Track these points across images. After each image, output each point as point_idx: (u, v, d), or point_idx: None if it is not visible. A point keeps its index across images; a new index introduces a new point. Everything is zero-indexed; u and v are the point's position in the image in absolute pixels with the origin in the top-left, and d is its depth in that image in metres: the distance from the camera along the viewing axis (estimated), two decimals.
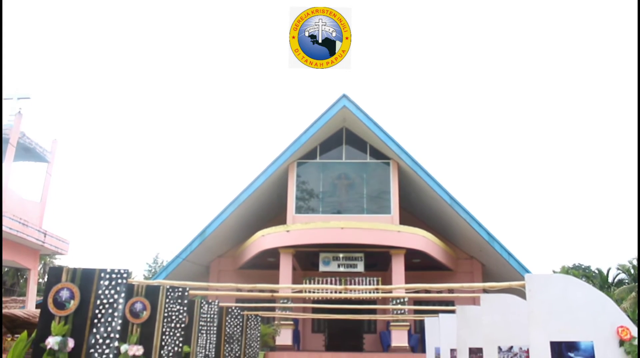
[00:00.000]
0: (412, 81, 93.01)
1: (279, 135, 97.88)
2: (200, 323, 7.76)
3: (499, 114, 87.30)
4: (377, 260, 19.68)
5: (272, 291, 10.18)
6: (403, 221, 19.99)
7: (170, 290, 5.90)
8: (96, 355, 4.67)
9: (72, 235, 70.52)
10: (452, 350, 9.30)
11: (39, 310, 6.41)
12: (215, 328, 8.10)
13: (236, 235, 21.49)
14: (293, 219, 19.80)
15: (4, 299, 19.51)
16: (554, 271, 32.26)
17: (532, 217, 76.37)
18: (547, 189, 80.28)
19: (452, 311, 9.09)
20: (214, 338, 8.10)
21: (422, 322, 13.95)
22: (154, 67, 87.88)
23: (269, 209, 22.19)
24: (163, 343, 5.59)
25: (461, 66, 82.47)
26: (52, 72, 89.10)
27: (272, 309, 16.38)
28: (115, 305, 4.84)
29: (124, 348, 5.36)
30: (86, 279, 4.92)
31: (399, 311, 17.51)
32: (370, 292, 13.83)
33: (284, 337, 17.87)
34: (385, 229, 18.52)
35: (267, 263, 20.29)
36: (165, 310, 5.69)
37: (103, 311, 4.82)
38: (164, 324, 5.64)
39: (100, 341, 4.72)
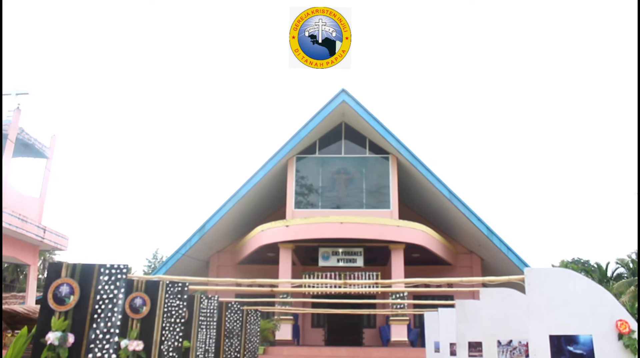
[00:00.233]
0: (410, 78, 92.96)
1: (278, 131, 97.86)
2: (200, 318, 7.76)
3: (498, 109, 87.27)
4: (376, 254, 19.71)
5: (271, 286, 10.21)
6: (402, 215, 20.01)
7: (170, 285, 5.90)
8: (96, 350, 4.68)
9: (72, 231, 70.57)
10: (452, 344, 9.33)
11: (38, 306, 6.42)
12: (215, 323, 8.10)
13: (236, 230, 21.50)
14: (292, 214, 19.81)
15: (4, 295, 19.53)
16: (553, 266, 32.34)
17: (531, 212, 76.49)
18: (546, 183, 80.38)
19: (452, 306, 9.11)
20: (214, 333, 8.11)
21: (421, 317, 13.99)
22: (155, 62, 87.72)
23: (268, 204, 22.20)
24: (163, 338, 5.59)
25: (459, 61, 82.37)
26: (51, 68, 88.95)
27: (272, 304, 16.41)
28: (115, 300, 4.84)
29: (124, 343, 5.36)
30: (86, 274, 4.92)
31: (398, 306, 17.54)
32: (369, 287, 13.87)
33: (284, 332, 17.91)
34: (384, 224, 18.54)
35: (266, 258, 20.30)
36: (165, 305, 5.68)
37: (103, 306, 4.82)
38: (164, 319, 5.64)
39: (101, 336, 4.72)
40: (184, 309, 5.94)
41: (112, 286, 4.89)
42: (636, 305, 21.35)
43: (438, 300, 13.81)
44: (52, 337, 4.64)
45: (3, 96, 14.63)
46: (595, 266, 33.22)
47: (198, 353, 7.60)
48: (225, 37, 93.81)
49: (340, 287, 11.61)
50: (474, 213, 19.53)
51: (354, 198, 20.55)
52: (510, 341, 6.61)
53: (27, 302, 14.99)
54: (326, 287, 13.67)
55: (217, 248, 22.49)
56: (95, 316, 4.78)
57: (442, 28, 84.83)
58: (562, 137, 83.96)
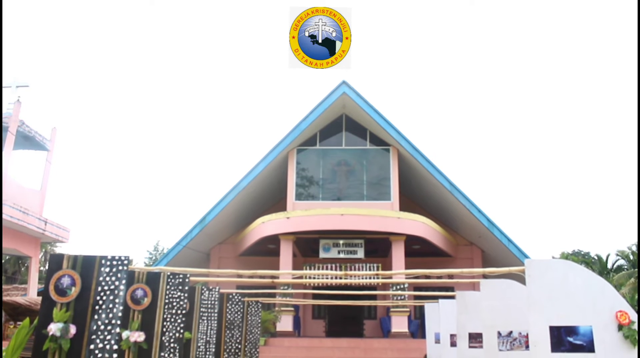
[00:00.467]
0: (411, 72, 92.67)
1: (278, 124, 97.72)
2: (201, 309, 7.78)
3: (499, 101, 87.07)
4: (377, 246, 19.73)
5: (272, 277, 10.22)
6: (403, 207, 20.01)
7: (171, 277, 5.91)
8: (98, 341, 4.70)
9: (73, 223, 70.71)
10: (452, 336, 9.35)
11: (40, 298, 6.44)
12: (216, 315, 8.12)
13: (236, 221, 21.52)
14: (293, 206, 19.82)
15: (5, 287, 19.60)
16: (554, 257, 32.37)
17: (532, 203, 76.49)
18: (547, 175, 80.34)
19: (452, 297, 9.13)
20: (215, 325, 8.12)
21: (422, 308, 14.03)
22: (156, 56, 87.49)
23: (269, 196, 22.21)
24: (164, 329, 5.60)
25: (459, 55, 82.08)
26: (51, 60, 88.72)
27: (273, 295, 16.45)
28: (116, 291, 4.85)
29: (125, 334, 5.37)
30: (87, 266, 4.93)
31: (399, 297, 17.58)
32: (370, 278, 13.89)
33: (285, 323, 17.97)
34: (385, 215, 18.55)
35: (267, 249, 20.34)
36: (166, 297, 5.70)
37: (104, 297, 4.83)
38: (165, 311, 5.65)
39: (102, 327, 4.73)
40: (185, 300, 5.95)
41: (113, 278, 4.90)
42: (636, 297, 21.41)
43: (438, 291, 13.85)
44: (54, 328, 4.66)
45: (3, 89, 14.62)
46: (596, 258, 33.28)
47: (199, 345, 7.63)
48: (225, 37, 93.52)
49: (341, 278, 11.62)
50: (474, 205, 19.53)
51: (354, 190, 20.55)
52: (511, 332, 6.63)
53: (29, 294, 15.06)
54: (327, 278, 13.72)
55: (218, 240, 22.53)
56: (97, 307, 4.80)
57: (442, 24, 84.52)
58: (563, 129, 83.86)
